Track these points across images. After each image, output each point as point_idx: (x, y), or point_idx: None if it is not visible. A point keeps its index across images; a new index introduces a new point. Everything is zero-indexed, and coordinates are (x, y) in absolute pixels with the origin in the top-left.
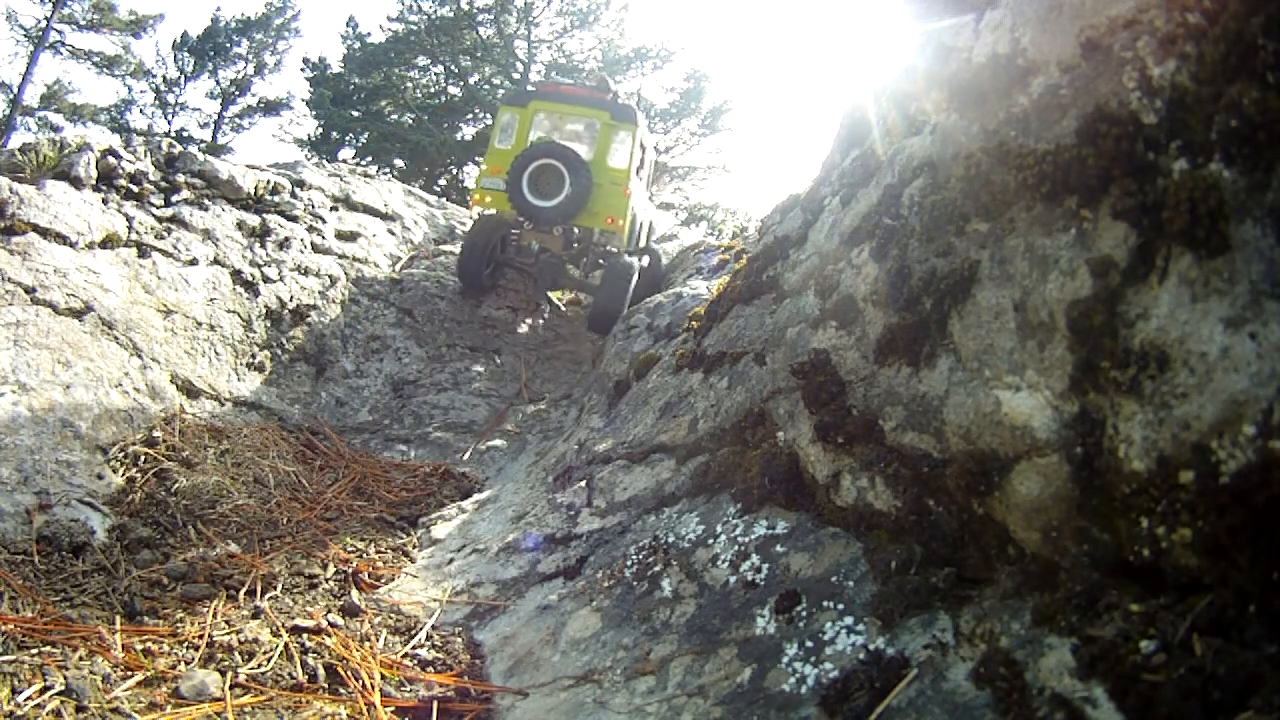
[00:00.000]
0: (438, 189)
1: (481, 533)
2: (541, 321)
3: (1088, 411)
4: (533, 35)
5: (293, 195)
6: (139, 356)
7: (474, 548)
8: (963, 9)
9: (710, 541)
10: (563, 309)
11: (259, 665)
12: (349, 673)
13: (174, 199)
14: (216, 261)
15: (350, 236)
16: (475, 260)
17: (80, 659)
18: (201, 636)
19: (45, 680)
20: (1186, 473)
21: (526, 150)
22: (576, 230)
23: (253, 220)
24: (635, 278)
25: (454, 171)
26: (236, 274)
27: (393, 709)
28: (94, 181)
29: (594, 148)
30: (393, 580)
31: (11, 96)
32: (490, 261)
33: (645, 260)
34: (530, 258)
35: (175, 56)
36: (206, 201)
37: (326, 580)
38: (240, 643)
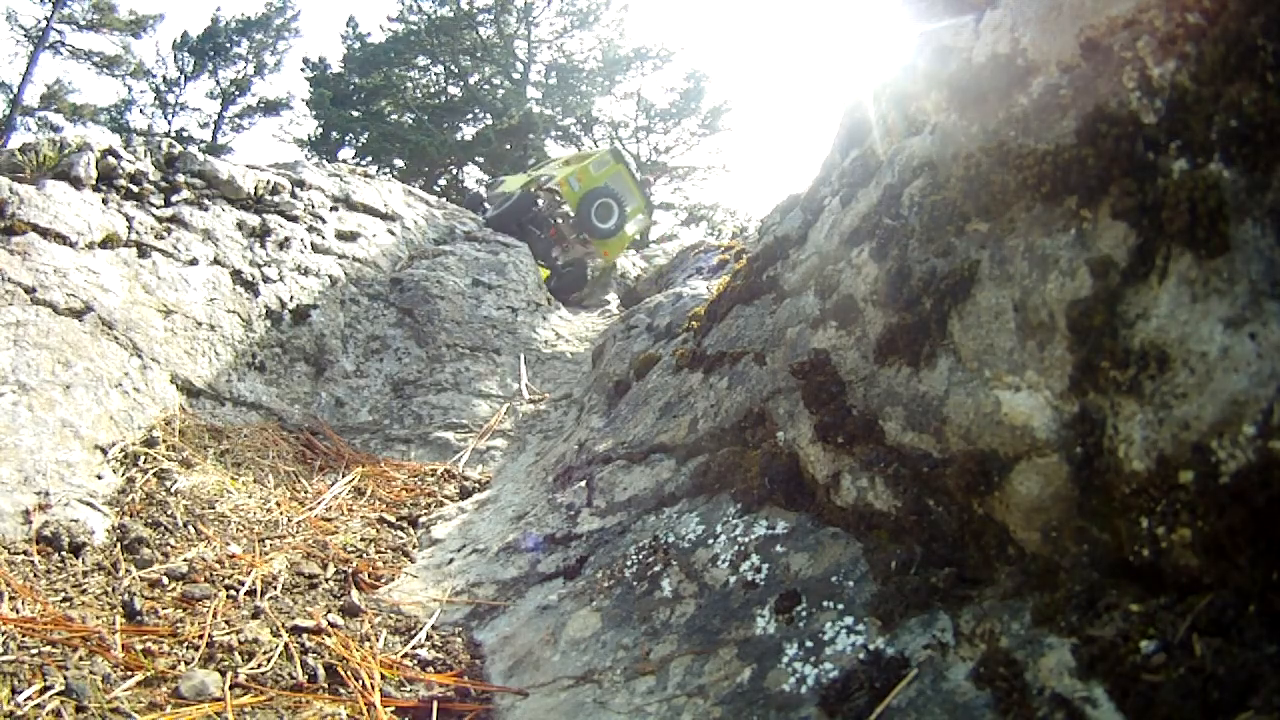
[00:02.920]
0: (438, 189)
1: (481, 533)
2: (541, 319)
3: (1088, 411)
4: (533, 35)
5: (293, 195)
6: (139, 356)
7: (474, 548)
8: (963, 9)
9: (710, 541)
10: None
11: (259, 665)
12: (349, 673)
13: (174, 199)
14: (216, 261)
15: (350, 236)
16: (510, 224)
17: (80, 659)
18: (201, 636)
19: (45, 680)
20: (1186, 473)
21: (597, 189)
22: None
23: (253, 220)
24: (589, 272)
25: (454, 171)
26: (236, 274)
27: (393, 709)
28: (94, 181)
29: (628, 213)
30: (393, 580)
31: (11, 96)
32: (518, 225)
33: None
34: (542, 238)
35: (175, 56)
36: (206, 201)
37: (326, 580)
38: (240, 643)
